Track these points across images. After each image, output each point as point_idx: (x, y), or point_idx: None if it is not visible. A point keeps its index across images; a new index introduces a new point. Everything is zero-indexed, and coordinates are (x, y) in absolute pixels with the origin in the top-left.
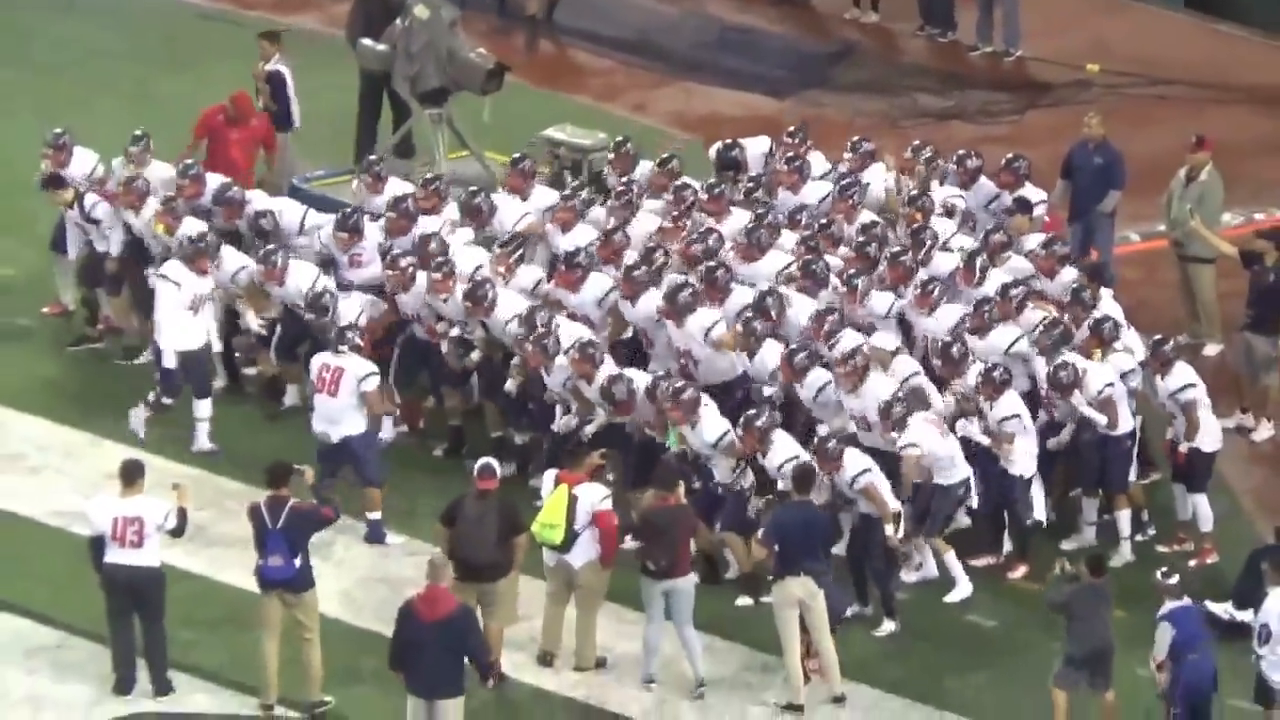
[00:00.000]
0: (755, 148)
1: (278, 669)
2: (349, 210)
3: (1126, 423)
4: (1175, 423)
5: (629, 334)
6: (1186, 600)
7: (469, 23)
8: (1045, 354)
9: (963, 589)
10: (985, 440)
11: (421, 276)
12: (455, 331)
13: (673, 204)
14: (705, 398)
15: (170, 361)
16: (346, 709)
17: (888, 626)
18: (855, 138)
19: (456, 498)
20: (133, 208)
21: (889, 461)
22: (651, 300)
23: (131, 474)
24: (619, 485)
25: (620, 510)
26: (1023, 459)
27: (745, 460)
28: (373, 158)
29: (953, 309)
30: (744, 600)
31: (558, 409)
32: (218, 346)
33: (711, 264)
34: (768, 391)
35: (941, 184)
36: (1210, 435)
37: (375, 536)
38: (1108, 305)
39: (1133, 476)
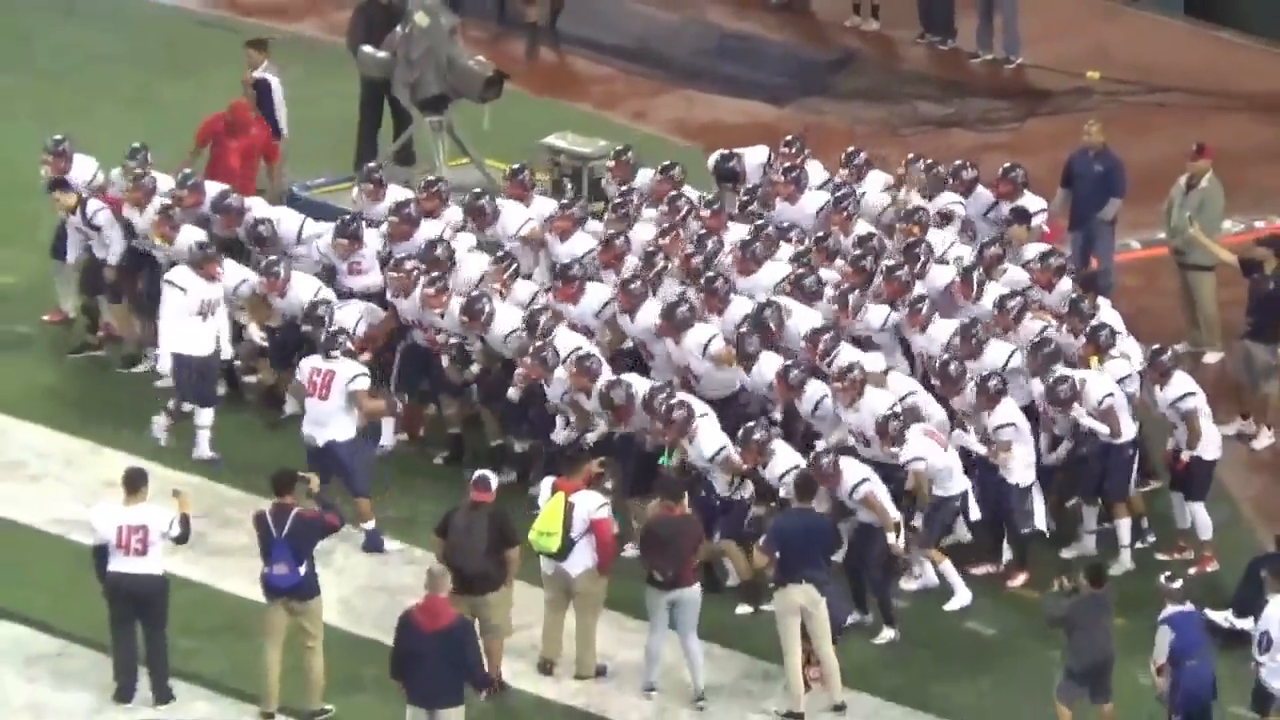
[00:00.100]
0: (753, 158)
1: (279, 677)
2: (348, 217)
3: (1128, 431)
4: (1176, 432)
5: (628, 344)
6: (1188, 606)
7: (468, 30)
8: (1038, 373)
9: (961, 597)
10: (982, 450)
11: (420, 283)
12: (454, 340)
13: (668, 214)
14: (703, 409)
15: (165, 365)
16: (346, 717)
17: (887, 634)
18: (849, 149)
19: (452, 508)
20: (139, 205)
21: (887, 472)
22: (649, 313)
23: (135, 482)
24: (618, 493)
25: (619, 518)
26: (1020, 468)
27: (744, 474)
28: (372, 165)
29: (946, 325)
30: (744, 608)
31: (558, 419)
32: (229, 353)
33: (711, 274)
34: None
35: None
36: (1211, 443)
37: (373, 545)
38: (1105, 313)
39: (1132, 485)
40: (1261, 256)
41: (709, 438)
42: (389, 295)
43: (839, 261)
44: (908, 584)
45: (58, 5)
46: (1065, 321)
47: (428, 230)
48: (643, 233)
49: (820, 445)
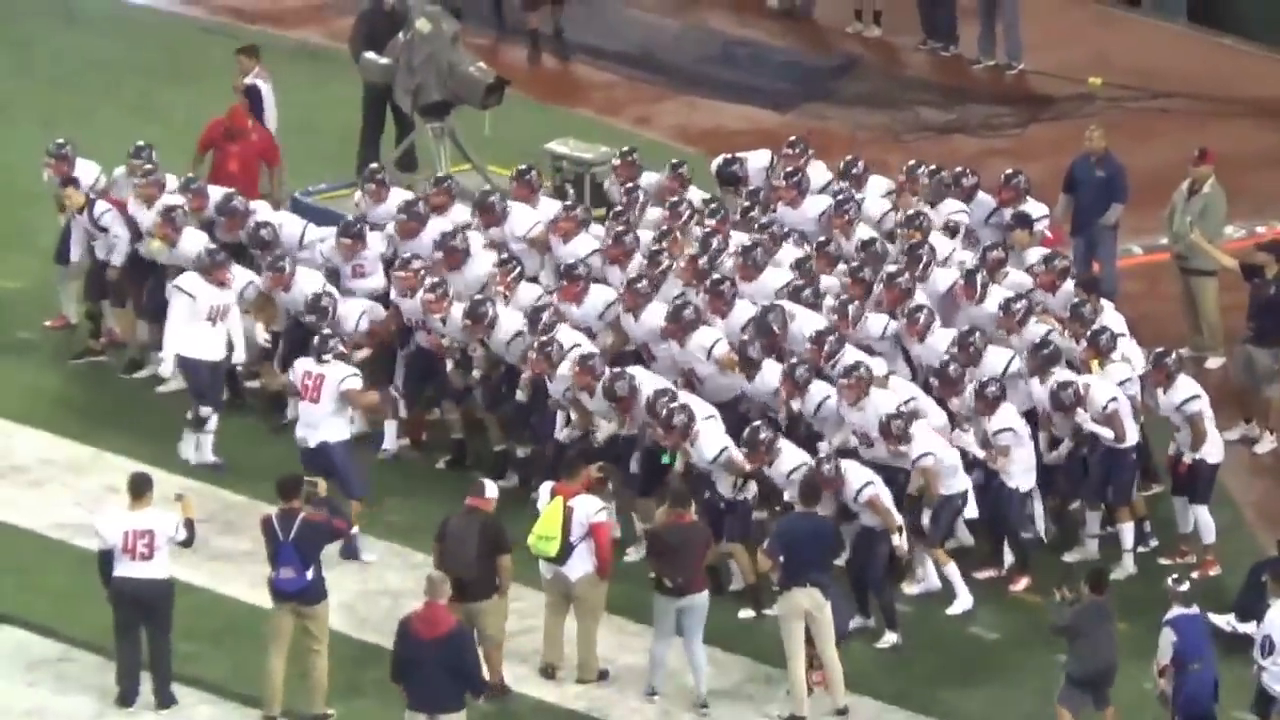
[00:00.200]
0: (756, 161)
1: (283, 681)
2: (351, 219)
3: (1132, 435)
4: (1178, 436)
5: (628, 348)
6: (1194, 609)
7: (468, 38)
8: (1036, 374)
9: (964, 601)
10: (981, 453)
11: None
12: (457, 344)
13: (670, 218)
14: (708, 410)
15: (168, 370)
16: None
17: (890, 638)
18: (847, 159)
19: (451, 514)
20: (149, 201)
21: (889, 474)
22: (653, 314)
23: (140, 487)
24: (623, 498)
25: (623, 522)
26: (1020, 472)
27: (748, 475)
28: (375, 166)
29: (945, 334)
30: (746, 612)
31: (559, 418)
32: (243, 356)
33: (716, 277)
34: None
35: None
36: (1214, 447)
37: (349, 553)
38: (1109, 316)
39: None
40: (1263, 261)
41: (710, 440)
42: (394, 295)
43: (840, 266)
44: (910, 588)
45: (59, 12)
46: (1067, 326)
47: (435, 228)
48: (647, 232)
49: (823, 447)
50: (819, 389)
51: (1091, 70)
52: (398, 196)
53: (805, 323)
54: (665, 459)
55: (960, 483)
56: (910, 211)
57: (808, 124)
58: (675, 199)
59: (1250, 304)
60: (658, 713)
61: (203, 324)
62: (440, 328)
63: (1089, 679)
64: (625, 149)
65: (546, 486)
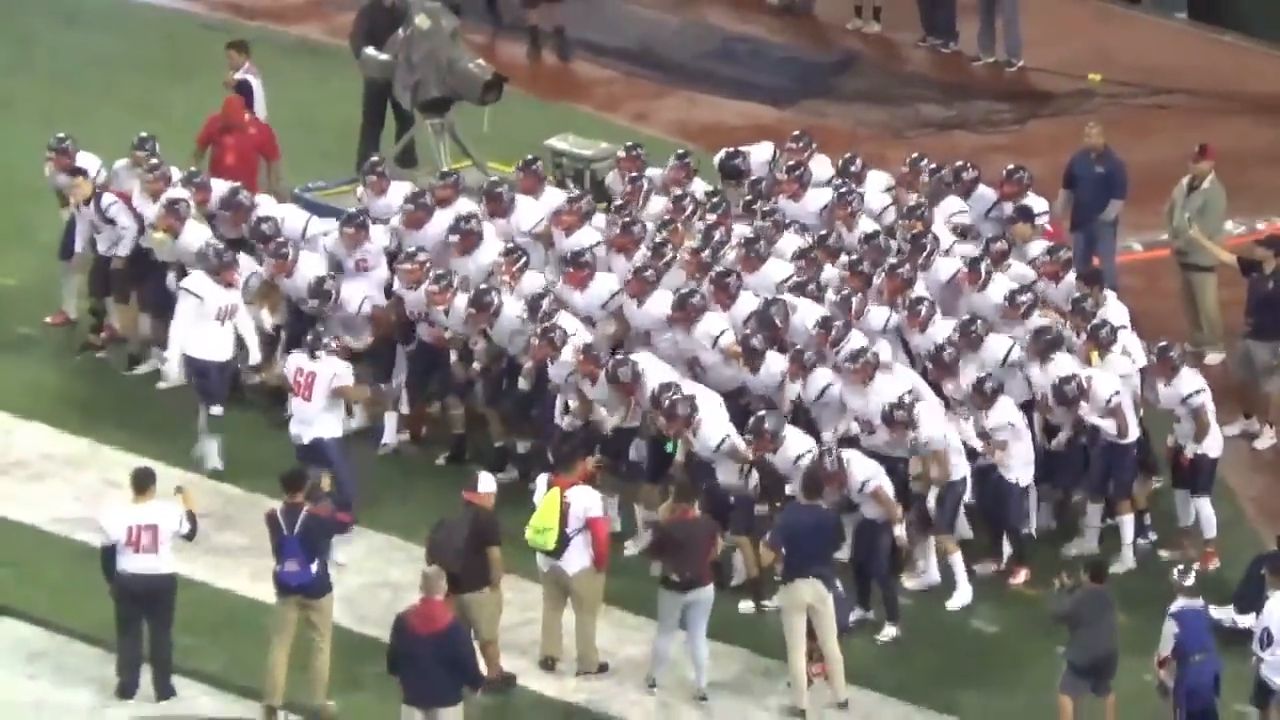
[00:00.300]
0: (759, 155)
1: (285, 673)
2: (354, 210)
3: (1134, 429)
4: (1178, 428)
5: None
6: (1198, 602)
7: (467, 34)
8: (1038, 359)
9: (963, 594)
10: (979, 445)
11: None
12: (460, 335)
13: (673, 212)
14: (708, 398)
15: (174, 370)
16: (346, 715)
17: (890, 631)
18: (846, 156)
19: (448, 514)
20: (156, 195)
21: (890, 465)
22: (658, 302)
23: (144, 481)
24: (625, 490)
25: (623, 515)
26: (1020, 466)
27: (751, 465)
28: (375, 159)
29: (946, 325)
30: (746, 605)
31: (558, 403)
32: (257, 357)
33: (721, 269)
34: (777, 396)
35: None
36: (1214, 441)
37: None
38: (1113, 308)
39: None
40: (1261, 257)
41: (712, 428)
42: (397, 287)
43: (841, 259)
44: (910, 581)
45: (59, 9)
46: (1068, 319)
47: (441, 221)
48: (650, 223)
49: (826, 436)
50: (821, 375)
51: (1091, 66)
52: (399, 190)
53: (807, 315)
54: (669, 447)
55: (962, 467)
56: (911, 203)
57: (807, 120)
58: (679, 192)
59: (1248, 299)
60: (657, 705)
61: (211, 325)
62: (443, 319)
63: (1090, 666)
64: (630, 144)
65: (543, 479)
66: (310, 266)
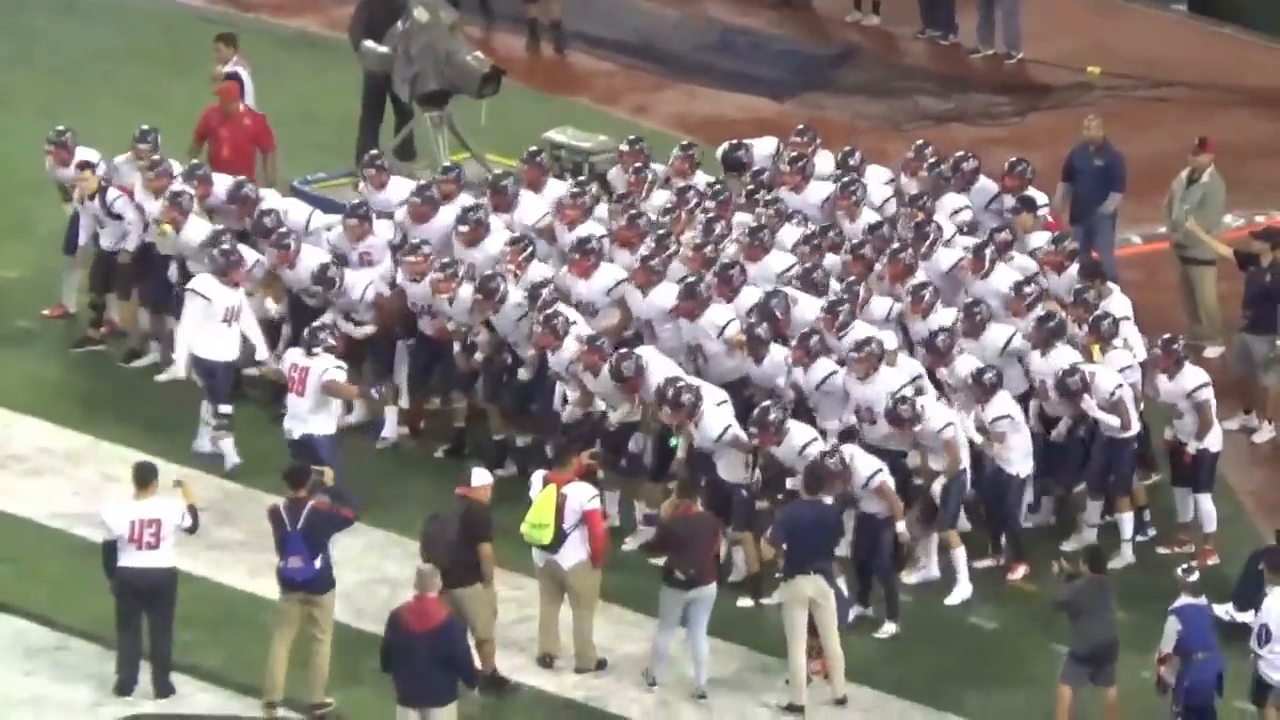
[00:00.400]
0: (762, 148)
1: (286, 669)
2: (357, 202)
3: (1135, 424)
4: (1177, 423)
5: (628, 331)
6: (1201, 600)
7: (465, 27)
8: (1040, 347)
9: (963, 590)
10: (978, 438)
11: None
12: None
13: (676, 205)
14: (716, 396)
15: (181, 370)
16: (344, 710)
17: (889, 628)
18: (845, 149)
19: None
20: (158, 192)
21: (891, 459)
22: (662, 292)
23: (146, 476)
24: (626, 486)
25: (622, 510)
26: (1019, 458)
27: (755, 456)
28: (374, 152)
29: (948, 313)
30: (745, 601)
31: (557, 391)
32: (263, 353)
33: (725, 262)
34: (780, 384)
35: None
36: (1214, 436)
37: None
38: (1117, 301)
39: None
40: (1258, 249)
41: (714, 419)
42: (400, 279)
43: (844, 252)
44: (909, 577)
45: (59, 2)
46: (1070, 311)
47: (446, 215)
48: (652, 214)
49: (830, 426)
50: (824, 365)
51: (1090, 59)
52: (398, 183)
53: (808, 309)
54: (671, 442)
55: (965, 459)
56: (913, 192)
57: (806, 113)
58: (683, 183)
59: (1245, 292)
60: (656, 702)
61: (218, 325)
62: (447, 309)
63: (1091, 655)
64: (632, 138)
65: (539, 475)
66: (312, 258)
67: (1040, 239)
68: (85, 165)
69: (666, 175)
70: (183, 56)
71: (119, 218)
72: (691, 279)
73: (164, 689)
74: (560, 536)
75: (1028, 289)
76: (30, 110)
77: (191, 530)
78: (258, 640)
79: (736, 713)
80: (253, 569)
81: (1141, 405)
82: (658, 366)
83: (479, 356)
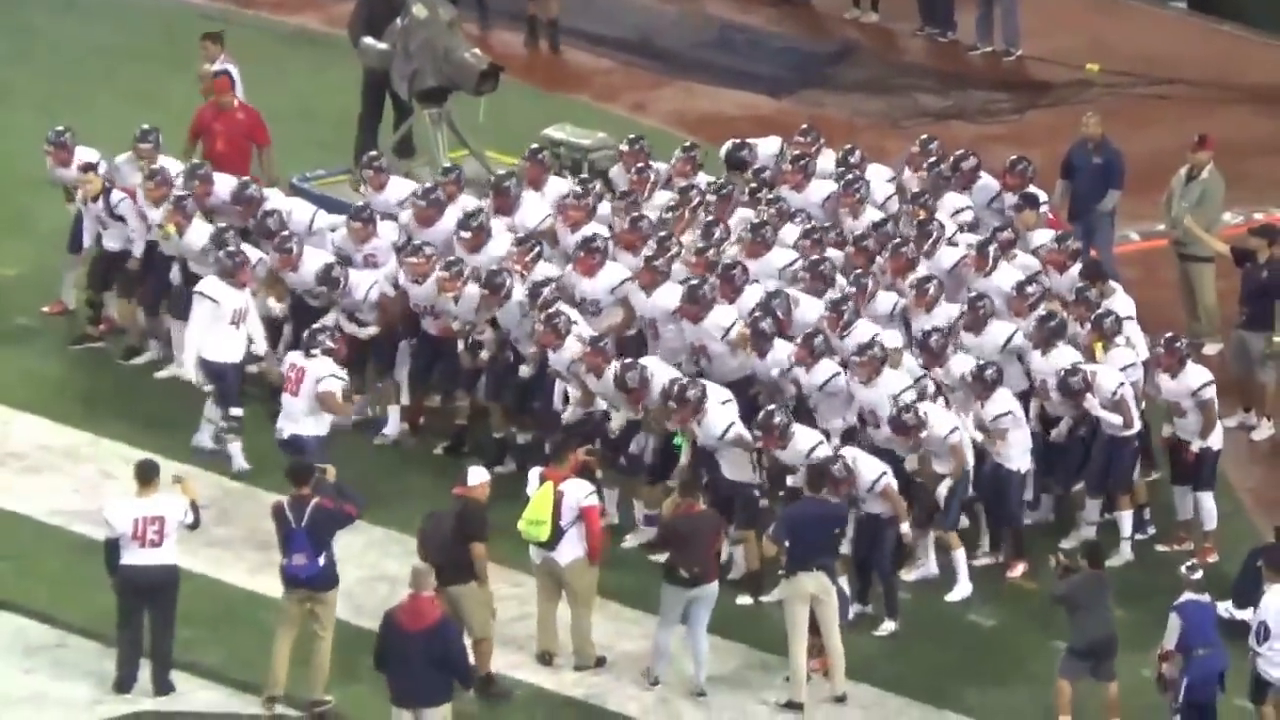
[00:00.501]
0: (766, 148)
1: (288, 666)
2: (361, 204)
3: (1136, 422)
4: (1179, 421)
5: (630, 331)
6: (1204, 596)
7: (463, 25)
8: (1040, 347)
9: (963, 588)
10: (979, 436)
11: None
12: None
13: (679, 204)
14: (718, 391)
15: (190, 373)
16: (343, 707)
17: (888, 626)
18: (846, 148)
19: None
20: (157, 202)
21: (893, 460)
22: (666, 292)
23: (148, 473)
24: (626, 484)
25: (622, 508)
26: (1019, 454)
27: (760, 457)
28: (373, 153)
29: (952, 309)
30: (744, 599)
31: (557, 389)
32: (263, 348)
33: (727, 263)
34: (781, 380)
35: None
36: (1216, 434)
37: None
38: (1120, 300)
39: (1137, 475)
40: (1255, 246)
41: (717, 417)
42: (402, 281)
43: (847, 247)
44: (908, 574)
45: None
46: (1071, 310)
47: (452, 217)
48: (654, 213)
49: (834, 425)
50: (827, 366)
51: (1089, 56)
52: (398, 183)
53: (810, 310)
54: (676, 441)
55: (969, 461)
56: (915, 190)
57: (805, 110)
58: (685, 183)
59: (1242, 288)
60: (655, 700)
61: (226, 327)
62: (452, 308)
63: (1089, 650)
64: (632, 137)
65: (535, 472)
66: (315, 260)
67: (1043, 236)
68: (88, 168)
69: (668, 175)
70: (183, 54)
71: (122, 220)
72: (695, 281)
73: (163, 687)
74: (557, 533)
75: (1030, 288)
76: (30, 107)
77: (194, 527)
78: (257, 638)
79: (736, 710)
80: (252, 566)
81: (1143, 404)
82: (661, 377)
83: (485, 355)
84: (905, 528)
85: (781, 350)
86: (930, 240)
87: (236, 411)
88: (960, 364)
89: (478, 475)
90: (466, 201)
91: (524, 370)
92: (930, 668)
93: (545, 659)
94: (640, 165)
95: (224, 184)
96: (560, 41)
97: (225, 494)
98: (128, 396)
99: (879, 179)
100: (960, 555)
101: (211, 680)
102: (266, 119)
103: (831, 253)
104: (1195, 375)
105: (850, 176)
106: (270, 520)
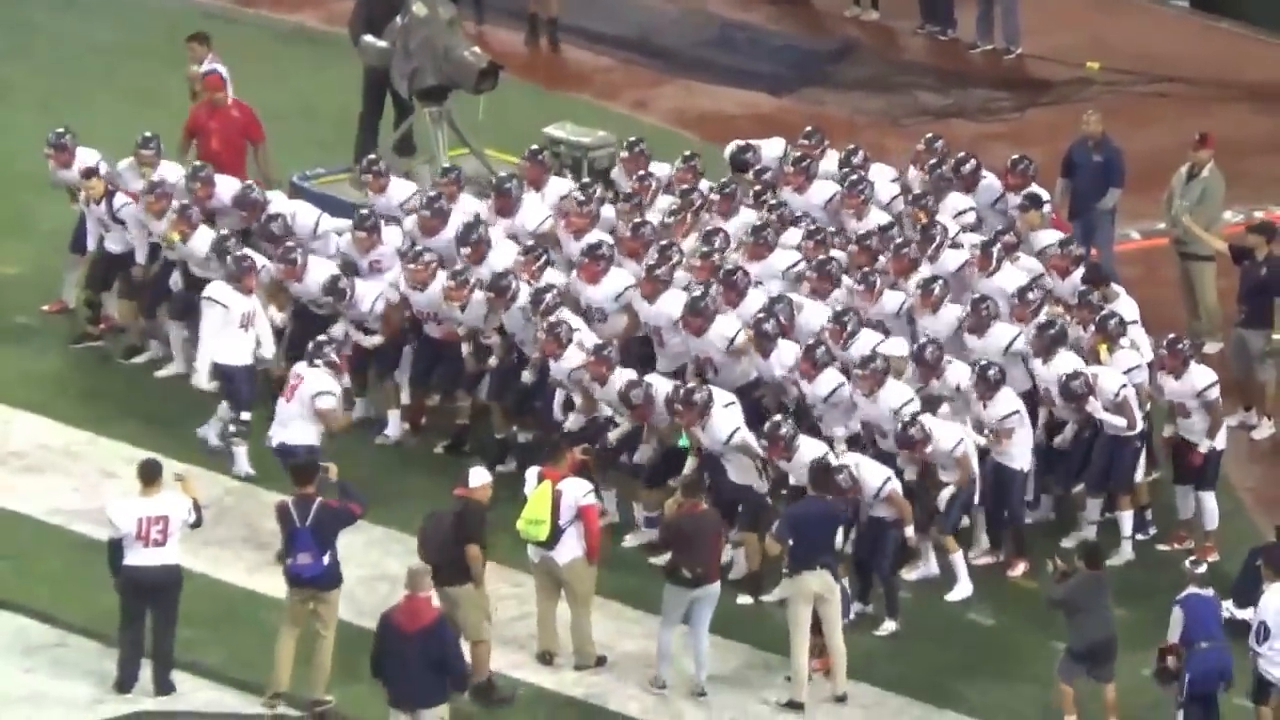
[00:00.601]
0: (770, 150)
1: (291, 665)
2: (365, 212)
3: (1139, 422)
4: (1182, 422)
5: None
6: (1208, 591)
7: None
8: (1041, 355)
9: (963, 588)
10: (984, 441)
11: (441, 277)
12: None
13: (681, 208)
14: (725, 396)
15: (204, 381)
16: (343, 707)
17: (889, 626)
18: (849, 149)
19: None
20: (158, 214)
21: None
22: (669, 301)
23: (152, 473)
24: (627, 486)
25: (622, 508)
26: (1020, 452)
27: (765, 465)
28: (372, 157)
29: (955, 309)
30: (745, 599)
31: (555, 404)
32: (271, 351)
33: (730, 268)
34: (785, 384)
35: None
36: (1221, 434)
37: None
38: (1124, 303)
39: (1140, 475)
40: (1253, 243)
41: (722, 421)
42: (403, 287)
43: (850, 246)
44: (908, 573)
45: None
46: (1074, 313)
47: (455, 224)
48: (657, 221)
49: (837, 433)
50: (831, 377)
51: (1089, 54)
52: (398, 185)
53: (812, 316)
54: (682, 443)
55: (975, 471)
56: (916, 191)
57: (805, 108)
58: (688, 188)
59: (1240, 286)
60: (656, 699)
61: (235, 331)
62: (458, 316)
63: (1088, 651)
64: (632, 140)
65: (533, 471)
66: (320, 270)
67: (1048, 238)
68: (90, 173)
69: (669, 181)
70: (183, 52)
71: (124, 224)
72: (696, 294)
73: (164, 686)
74: (556, 532)
75: (1031, 294)
76: (30, 105)
77: (196, 525)
78: (257, 637)
79: (737, 710)
80: (252, 566)
81: (1148, 406)
82: (665, 391)
83: (492, 361)
84: (910, 531)
85: (786, 350)
86: (934, 245)
87: (245, 416)
88: (956, 374)
89: (479, 476)
90: (467, 201)
91: (526, 376)
92: (931, 667)
93: (546, 659)
94: (641, 174)
95: (226, 186)
96: (560, 39)
97: (226, 493)
98: (128, 395)
99: (883, 179)
100: (959, 558)
101: (211, 680)
102: (267, 117)
103: (835, 253)
104: (1200, 376)
105: (854, 178)
106: (271, 520)
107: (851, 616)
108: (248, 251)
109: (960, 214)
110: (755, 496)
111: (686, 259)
